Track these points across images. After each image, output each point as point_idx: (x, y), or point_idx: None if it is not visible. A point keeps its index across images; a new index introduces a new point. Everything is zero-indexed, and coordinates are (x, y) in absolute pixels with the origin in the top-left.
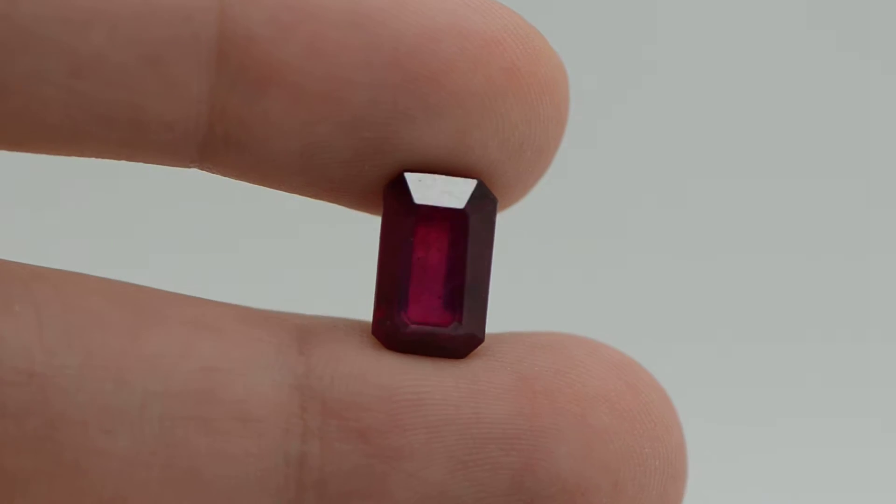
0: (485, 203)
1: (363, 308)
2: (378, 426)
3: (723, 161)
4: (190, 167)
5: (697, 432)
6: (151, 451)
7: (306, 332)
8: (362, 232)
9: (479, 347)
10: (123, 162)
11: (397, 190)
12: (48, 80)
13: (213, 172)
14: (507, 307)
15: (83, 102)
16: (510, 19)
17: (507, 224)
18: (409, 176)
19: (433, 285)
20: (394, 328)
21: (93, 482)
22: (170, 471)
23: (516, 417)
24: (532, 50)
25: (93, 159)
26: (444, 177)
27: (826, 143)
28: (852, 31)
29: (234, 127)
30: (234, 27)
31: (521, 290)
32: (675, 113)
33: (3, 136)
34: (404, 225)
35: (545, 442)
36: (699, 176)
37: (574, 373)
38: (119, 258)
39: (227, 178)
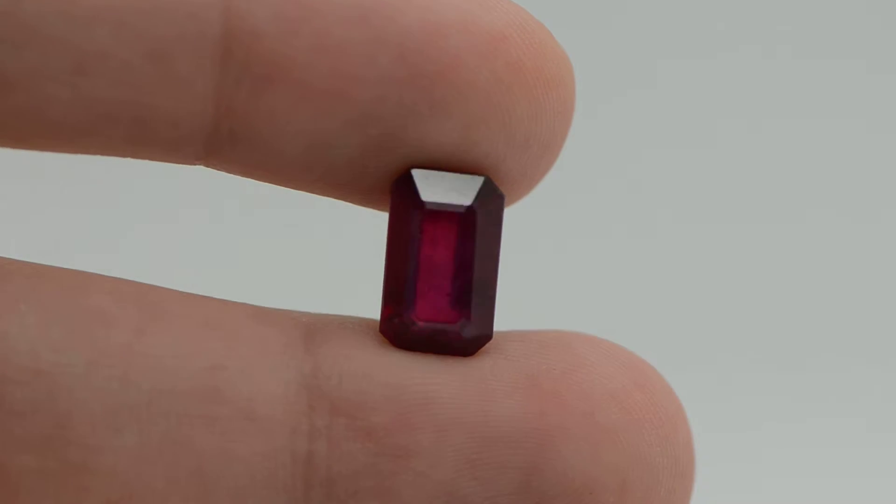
0: (492, 199)
1: (371, 306)
2: (385, 425)
3: (734, 159)
4: (195, 164)
5: (704, 431)
6: (158, 449)
7: (314, 330)
8: (370, 229)
9: (487, 345)
10: (130, 160)
11: (404, 187)
12: (52, 77)
13: (219, 170)
14: (515, 304)
15: (87, 100)
16: (516, 14)
17: (515, 220)
18: (415, 173)
19: (441, 282)
20: (402, 326)
21: (99, 481)
22: (176, 469)
23: (524, 416)
24: (538, 45)
25: (99, 157)
26: (450, 174)
27: (835, 148)
28: (850, 29)
29: (239, 124)
30: (239, 23)
31: (530, 287)
32: (690, 108)
33: (8, 132)
34: (412, 222)
35: (553, 441)
36: (708, 172)
37: (582, 371)
38: (125, 256)
39: (233, 176)
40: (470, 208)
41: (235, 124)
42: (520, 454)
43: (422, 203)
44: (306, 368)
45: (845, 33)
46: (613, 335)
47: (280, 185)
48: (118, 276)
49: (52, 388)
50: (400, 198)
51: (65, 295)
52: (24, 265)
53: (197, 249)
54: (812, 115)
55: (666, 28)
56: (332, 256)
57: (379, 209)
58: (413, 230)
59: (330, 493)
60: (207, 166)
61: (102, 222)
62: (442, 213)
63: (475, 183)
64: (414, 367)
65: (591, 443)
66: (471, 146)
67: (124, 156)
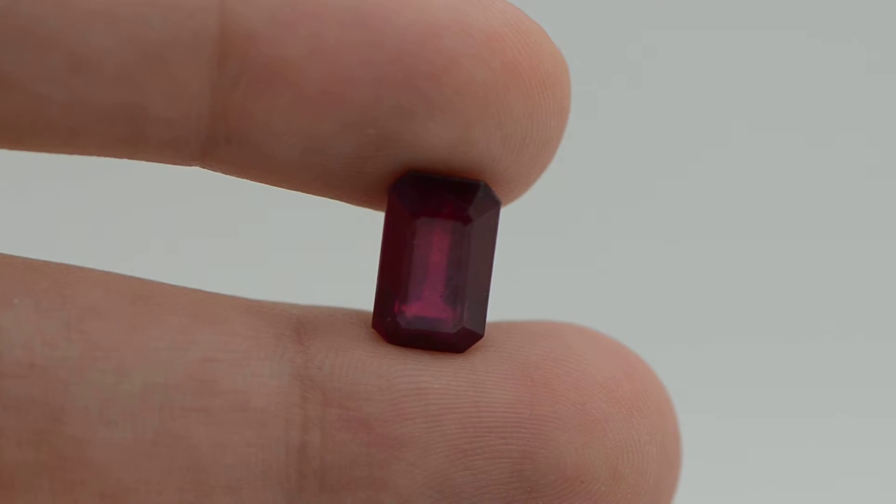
0: (488, 206)
1: (363, 298)
2: (378, 415)
3: (727, 153)
4: (191, 165)
5: (692, 425)
6: (152, 442)
7: (305, 322)
8: (364, 223)
9: None
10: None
11: (401, 192)
12: (48, 78)
13: (215, 170)
14: (507, 294)
15: (84, 100)
16: (511, 14)
17: (510, 213)
18: (413, 177)
19: (434, 282)
20: (393, 323)
21: (94, 474)
22: (171, 461)
23: (516, 406)
24: (533, 44)
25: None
26: (448, 178)
27: (837, 139)
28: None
29: (236, 125)
30: (235, 25)
31: (521, 283)
32: (683, 103)
33: (4, 133)
34: (407, 227)
35: (544, 430)
36: (700, 167)
37: (572, 361)
38: (118, 249)
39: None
40: (466, 216)
41: (232, 126)
42: (511, 443)
43: (419, 210)
44: (298, 359)
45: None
46: (602, 325)
47: (276, 185)
48: (110, 269)
49: (46, 383)
50: (397, 202)
51: (58, 289)
52: (16, 259)
53: (190, 242)
54: (803, 116)
55: (666, 23)
56: (326, 249)
57: (376, 209)
58: (408, 234)
59: (323, 483)
60: (203, 167)
61: (98, 216)
62: (438, 219)
63: (472, 189)
64: (406, 357)
65: (582, 432)
66: (468, 146)
67: (121, 157)
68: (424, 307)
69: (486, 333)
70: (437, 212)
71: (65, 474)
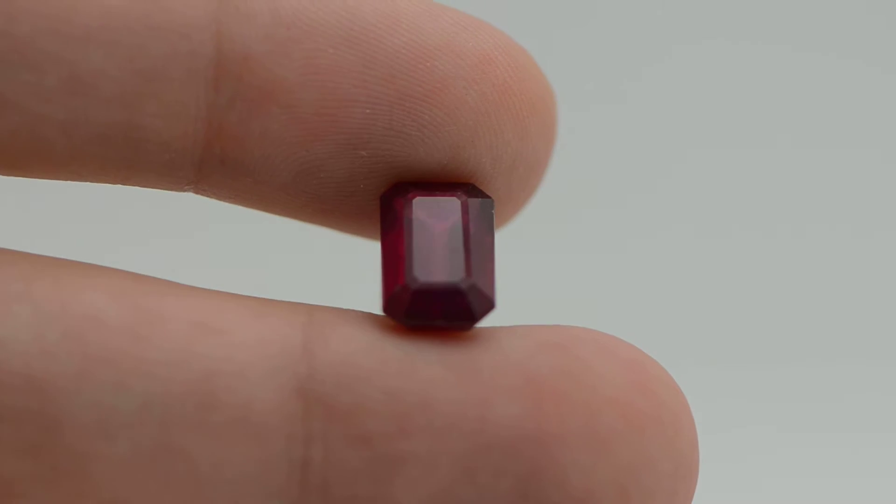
0: (481, 196)
1: (370, 302)
2: (382, 431)
3: (730, 159)
4: (185, 190)
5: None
6: (151, 456)
7: (313, 327)
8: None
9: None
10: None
11: (393, 192)
12: (46, 98)
13: (208, 195)
14: (517, 298)
15: (81, 121)
16: (500, 38)
17: (526, 214)
18: (402, 182)
19: (439, 257)
20: (405, 294)
21: (91, 487)
22: (170, 476)
23: (523, 422)
24: (522, 68)
25: None
26: (437, 182)
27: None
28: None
29: (231, 145)
30: (230, 45)
31: (532, 279)
32: (691, 102)
33: (2, 156)
34: (403, 210)
35: (552, 448)
36: (707, 170)
37: (584, 375)
38: (121, 245)
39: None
40: (460, 193)
41: (227, 147)
42: (518, 461)
43: (414, 192)
44: (302, 372)
45: (848, 30)
46: (616, 329)
47: (268, 211)
48: (118, 265)
49: (43, 395)
50: (390, 199)
51: (59, 294)
52: (18, 257)
53: (199, 238)
54: (801, 123)
55: (669, 28)
56: (332, 249)
57: (364, 236)
58: (406, 217)
59: (325, 498)
60: (197, 193)
61: (104, 212)
62: (434, 200)
63: (462, 184)
64: (413, 368)
65: (590, 450)
66: (458, 167)
67: (116, 182)
68: (433, 273)
69: (495, 339)
70: (432, 195)
71: (62, 486)
